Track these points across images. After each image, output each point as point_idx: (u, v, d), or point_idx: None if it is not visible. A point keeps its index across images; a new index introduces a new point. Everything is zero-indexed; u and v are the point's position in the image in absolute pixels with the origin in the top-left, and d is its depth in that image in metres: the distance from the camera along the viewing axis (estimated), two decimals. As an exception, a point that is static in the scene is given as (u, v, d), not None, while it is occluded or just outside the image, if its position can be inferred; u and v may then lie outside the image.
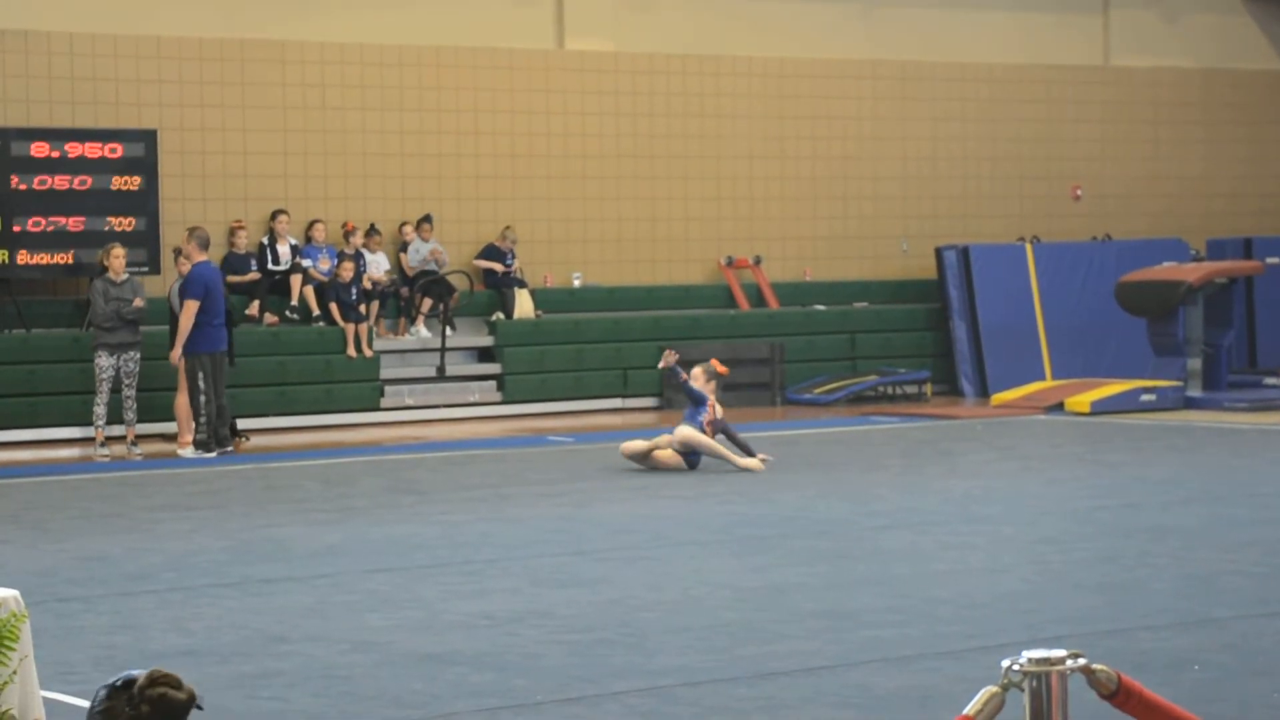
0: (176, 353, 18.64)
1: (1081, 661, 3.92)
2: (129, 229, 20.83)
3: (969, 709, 3.90)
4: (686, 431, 16.65)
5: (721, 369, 17.33)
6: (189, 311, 18.54)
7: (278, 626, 9.64)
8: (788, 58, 25.59)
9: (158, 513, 14.45)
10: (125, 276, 19.17)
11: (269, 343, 21.66)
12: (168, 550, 12.42)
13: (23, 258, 20.58)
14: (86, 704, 7.84)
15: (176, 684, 3.33)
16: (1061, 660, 3.90)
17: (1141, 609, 9.78)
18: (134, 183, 21.03)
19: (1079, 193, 27.71)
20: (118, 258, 19.17)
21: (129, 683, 3.28)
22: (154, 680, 3.29)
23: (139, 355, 19.14)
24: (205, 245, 19.00)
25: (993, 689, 3.92)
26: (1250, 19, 29.15)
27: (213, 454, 18.64)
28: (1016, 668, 3.90)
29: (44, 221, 20.66)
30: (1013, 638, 8.86)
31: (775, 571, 11.17)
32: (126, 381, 19.05)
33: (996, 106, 27.01)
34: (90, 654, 8.99)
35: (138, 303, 19.05)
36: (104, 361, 18.97)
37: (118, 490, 16.20)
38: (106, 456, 18.74)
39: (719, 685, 8.12)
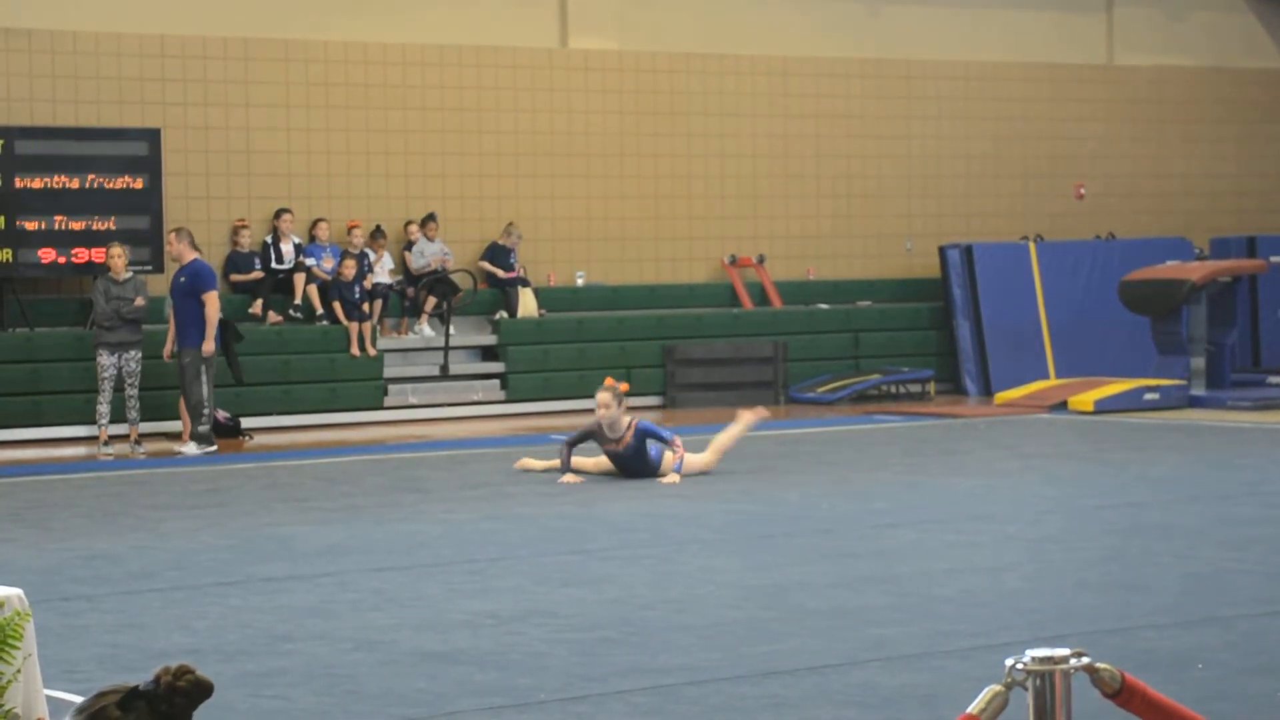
0: (209, 345, 18.74)
1: (1085, 660, 3.92)
2: (133, 228, 20.84)
3: (973, 708, 3.90)
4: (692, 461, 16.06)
5: (622, 386, 16.03)
6: (215, 303, 18.71)
7: (281, 625, 9.65)
8: (791, 56, 25.58)
9: (161, 511, 14.45)
10: (128, 275, 19.20)
11: (273, 342, 21.68)
12: (172, 549, 12.43)
13: (26, 256, 20.60)
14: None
15: (192, 669, 3.33)
16: (1065, 659, 3.89)
17: (1145, 608, 9.77)
18: (138, 182, 21.04)
19: (1083, 191, 27.70)
20: (116, 257, 19.20)
21: (131, 695, 3.26)
22: (176, 674, 3.28)
23: (140, 354, 19.16)
24: (194, 244, 19.16)
25: (996, 688, 3.91)
26: (1254, 17, 29.14)
27: (214, 447, 18.67)
28: (1020, 666, 3.90)
29: (48, 220, 20.66)
30: (1016, 636, 8.86)
31: (779, 570, 11.17)
32: (130, 381, 19.07)
33: (1000, 105, 27.00)
34: (94, 653, 8.99)
35: (139, 302, 19.08)
36: (105, 360, 19.00)
37: (121, 489, 16.21)
38: (110, 455, 18.76)
39: (723, 684, 8.12)
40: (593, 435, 15.88)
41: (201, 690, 3.22)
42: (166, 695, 3.14)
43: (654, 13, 24.79)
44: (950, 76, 26.63)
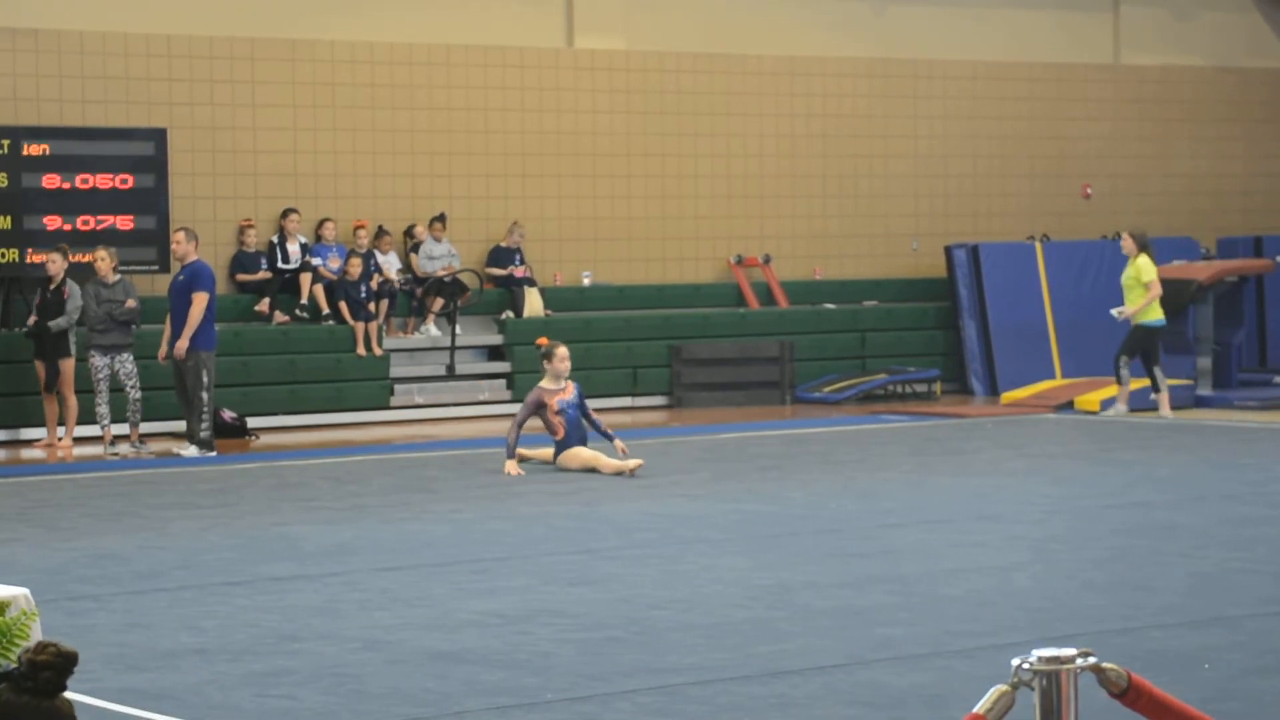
0: (184, 344, 18.45)
1: (1092, 660, 3.93)
2: (139, 228, 20.84)
3: (979, 707, 3.91)
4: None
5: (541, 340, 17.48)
6: (201, 304, 18.48)
7: (288, 625, 9.65)
8: (798, 56, 25.58)
9: (168, 511, 14.46)
10: (117, 278, 19.18)
11: (279, 341, 21.69)
12: (178, 548, 12.44)
13: (33, 256, 20.61)
14: (98, 703, 7.86)
15: (55, 643, 3.35)
16: (1071, 659, 3.90)
17: (1151, 607, 9.77)
18: (144, 181, 21.05)
19: (1089, 191, 27.69)
20: (101, 260, 19.14)
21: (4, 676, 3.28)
22: (36, 650, 3.31)
23: (133, 356, 19.14)
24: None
25: (1003, 687, 3.92)
26: (1260, 17, 29.13)
27: (214, 453, 18.62)
28: (1027, 666, 3.90)
29: (55, 220, 20.67)
30: (1022, 636, 8.86)
31: (785, 570, 11.17)
32: (130, 384, 19.06)
33: (1006, 104, 27.00)
34: (101, 652, 9.00)
35: (130, 303, 19.08)
36: (98, 362, 19.05)
37: (128, 488, 16.21)
38: (116, 455, 18.77)
39: (730, 684, 8.12)
40: (539, 405, 16.57)
41: (65, 660, 3.23)
42: (29, 671, 3.16)
43: (660, 13, 24.79)
44: (956, 76, 26.63)
